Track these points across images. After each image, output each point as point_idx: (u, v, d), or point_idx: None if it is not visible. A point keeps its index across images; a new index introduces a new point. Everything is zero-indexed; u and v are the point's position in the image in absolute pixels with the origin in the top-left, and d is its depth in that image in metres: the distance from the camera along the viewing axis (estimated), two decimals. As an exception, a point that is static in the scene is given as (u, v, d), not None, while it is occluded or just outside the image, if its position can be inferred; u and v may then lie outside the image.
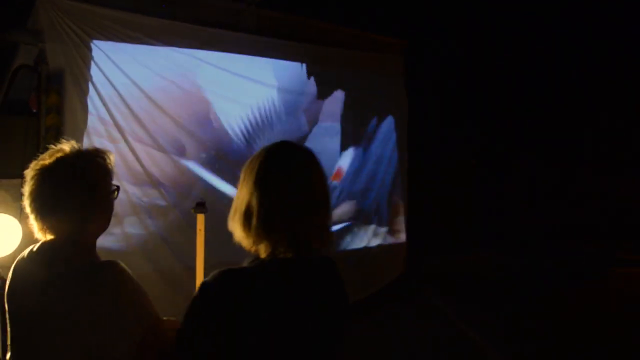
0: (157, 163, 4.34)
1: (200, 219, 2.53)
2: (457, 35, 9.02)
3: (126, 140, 4.18)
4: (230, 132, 4.86)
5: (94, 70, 4.02)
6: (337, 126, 5.90)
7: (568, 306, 6.29)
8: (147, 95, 4.27)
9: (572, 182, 10.34)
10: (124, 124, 4.17)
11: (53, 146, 1.47)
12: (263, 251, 1.26)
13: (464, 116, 9.32)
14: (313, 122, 5.67)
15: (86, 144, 4.01)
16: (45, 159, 1.43)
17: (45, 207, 1.37)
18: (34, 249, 1.45)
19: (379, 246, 6.32)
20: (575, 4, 9.21)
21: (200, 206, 2.52)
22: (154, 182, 4.30)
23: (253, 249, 1.29)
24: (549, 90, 10.07)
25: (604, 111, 10.23)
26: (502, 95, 9.74)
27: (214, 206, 2.71)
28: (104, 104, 4.07)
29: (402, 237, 6.70)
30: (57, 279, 1.35)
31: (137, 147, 4.24)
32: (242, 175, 1.32)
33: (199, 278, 2.43)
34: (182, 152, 4.49)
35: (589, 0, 9.19)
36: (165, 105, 4.38)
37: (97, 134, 4.07)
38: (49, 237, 1.42)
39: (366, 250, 6.15)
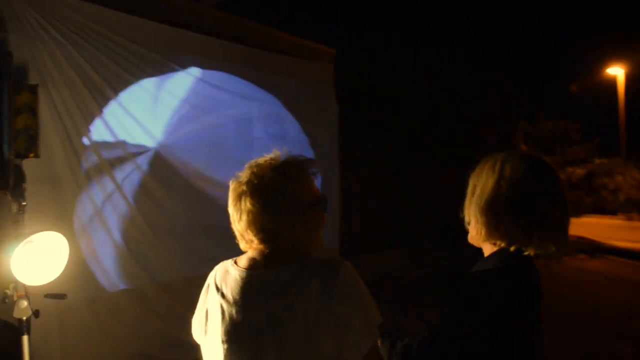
0: (124, 170, 4.01)
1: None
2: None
3: (93, 148, 3.80)
4: (193, 137, 4.63)
5: (60, 68, 3.59)
6: (278, 132, 5.89)
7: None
8: (116, 98, 3.92)
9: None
10: (91, 128, 3.79)
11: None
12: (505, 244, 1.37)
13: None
14: (258, 127, 5.63)
15: (51, 148, 3.59)
16: (257, 168, 1.36)
17: (280, 215, 1.30)
18: (247, 260, 1.35)
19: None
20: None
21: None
22: (121, 191, 3.96)
23: (488, 243, 1.41)
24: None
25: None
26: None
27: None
28: (69, 106, 3.66)
29: (335, 242, 6.86)
30: (295, 278, 1.26)
31: (104, 152, 3.88)
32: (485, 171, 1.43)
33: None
34: (148, 157, 4.19)
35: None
36: (132, 108, 4.06)
37: (60, 138, 3.65)
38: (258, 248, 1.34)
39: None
